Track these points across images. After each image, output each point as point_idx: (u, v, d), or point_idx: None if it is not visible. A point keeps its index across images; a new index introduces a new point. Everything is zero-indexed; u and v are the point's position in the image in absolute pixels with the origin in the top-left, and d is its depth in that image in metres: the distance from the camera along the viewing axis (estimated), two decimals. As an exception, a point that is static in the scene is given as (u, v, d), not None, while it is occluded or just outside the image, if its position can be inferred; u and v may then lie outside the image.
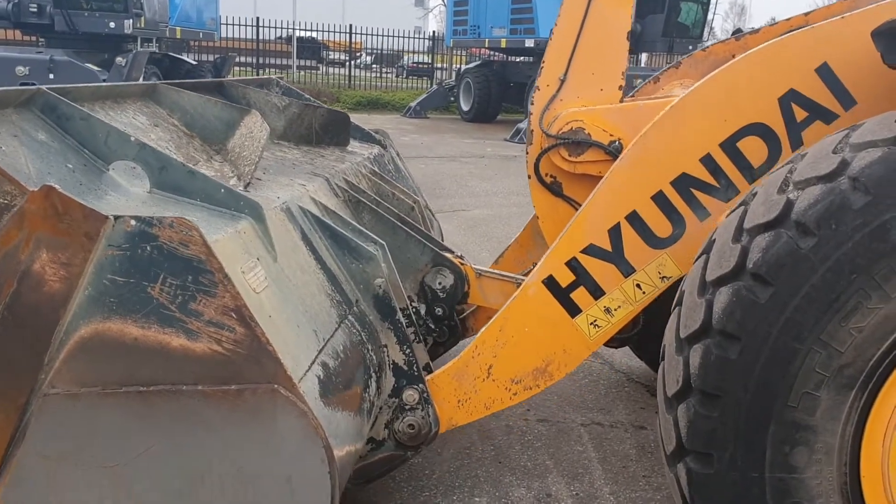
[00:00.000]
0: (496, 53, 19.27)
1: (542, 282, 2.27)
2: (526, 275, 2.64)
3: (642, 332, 3.01)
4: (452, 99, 18.59)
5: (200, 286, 1.60)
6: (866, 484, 1.72)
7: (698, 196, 2.18)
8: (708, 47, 3.11)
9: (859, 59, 2.04)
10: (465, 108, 18.36)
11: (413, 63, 30.65)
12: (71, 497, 1.68)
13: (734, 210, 1.88)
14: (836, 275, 1.63)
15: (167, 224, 1.59)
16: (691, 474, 1.78)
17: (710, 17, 17.69)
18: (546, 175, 2.65)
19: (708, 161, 2.16)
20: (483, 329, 2.35)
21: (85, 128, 1.90)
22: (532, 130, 2.62)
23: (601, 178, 2.55)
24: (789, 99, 2.11)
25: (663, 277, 2.24)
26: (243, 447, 1.65)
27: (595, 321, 2.28)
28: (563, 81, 2.57)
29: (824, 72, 2.08)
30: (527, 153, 2.67)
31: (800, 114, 2.11)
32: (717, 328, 1.71)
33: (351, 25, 23.04)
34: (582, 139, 2.53)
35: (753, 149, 2.14)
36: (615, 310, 2.27)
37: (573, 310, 2.27)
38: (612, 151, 2.51)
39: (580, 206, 2.65)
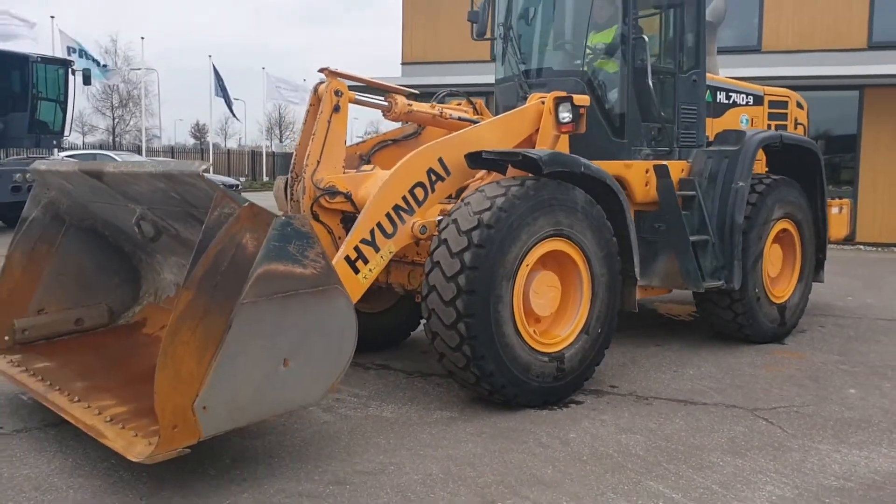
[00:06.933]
0: None
1: (344, 259, 4.64)
2: None
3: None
4: None
5: (308, 244, 3.64)
6: (511, 311, 4.69)
7: (402, 214, 4.88)
8: (350, 146, 5.85)
9: (453, 156, 5.05)
10: None
11: None
12: (252, 356, 3.47)
13: (445, 227, 4.63)
14: (504, 240, 4.57)
15: (296, 218, 3.60)
16: (469, 327, 4.48)
17: (68, 115, 18.84)
18: (313, 211, 5.00)
19: (404, 199, 4.89)
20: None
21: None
22: (305, 187, 4.95)
23: (344, 211, 5.07)
24: (430, 171, 4.99)
25: (390, 252, 4.85)
26: (324, 316, 3.71)
27: (365, 276, 4.75)
28: (319, 162, 4.99)
29: (440, 161, 5.04)
30: (299, 201, 4.98)
31: (433, 178, 5.01)
32: (469, 266, 4.46)
33: None
34: (336, 191, 4.99)
35: (419, 193, 4.95)
36: (372, 269, 4.77)
37: (356, 271, 4.70)
38: (348, 197, 5.03)
39: (330, 228, 5.10)
